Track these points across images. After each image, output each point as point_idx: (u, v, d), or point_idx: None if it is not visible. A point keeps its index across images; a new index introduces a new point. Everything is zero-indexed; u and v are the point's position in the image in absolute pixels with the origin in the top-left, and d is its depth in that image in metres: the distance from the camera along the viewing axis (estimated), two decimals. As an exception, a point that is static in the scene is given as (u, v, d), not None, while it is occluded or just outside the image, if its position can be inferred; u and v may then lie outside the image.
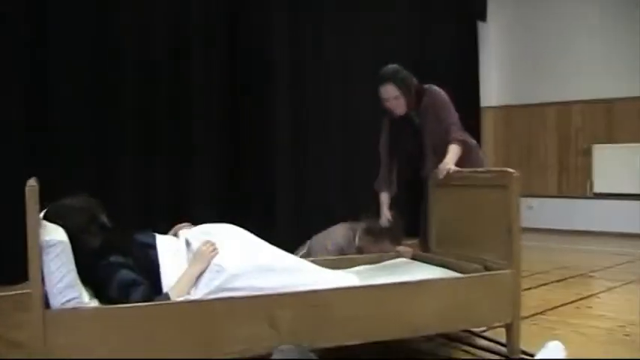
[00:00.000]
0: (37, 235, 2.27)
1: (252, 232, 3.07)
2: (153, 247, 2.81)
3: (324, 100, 6.80)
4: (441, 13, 8.68)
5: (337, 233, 4.55)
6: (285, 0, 6.42)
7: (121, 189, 5.00)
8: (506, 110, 9.60)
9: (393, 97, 4.27)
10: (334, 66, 6.97)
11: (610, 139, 8.68)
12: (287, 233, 5.93)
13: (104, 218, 2.75)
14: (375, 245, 4.28)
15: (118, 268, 2.59)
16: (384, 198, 4.41)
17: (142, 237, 2.86)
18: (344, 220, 4.76)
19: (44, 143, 4.91)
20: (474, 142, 4.42)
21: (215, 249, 2.74)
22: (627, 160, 8.41)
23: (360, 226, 4.52)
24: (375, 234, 4.33)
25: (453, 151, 4.02)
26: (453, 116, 4.28)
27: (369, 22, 7.47)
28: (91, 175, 4.93)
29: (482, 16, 9.40)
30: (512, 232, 3.07)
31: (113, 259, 2.62)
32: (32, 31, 4.87)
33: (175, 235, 3.07)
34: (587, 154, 8.81)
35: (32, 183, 2.25)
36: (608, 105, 8.68)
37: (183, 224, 3.17)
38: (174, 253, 2.83)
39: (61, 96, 4.91)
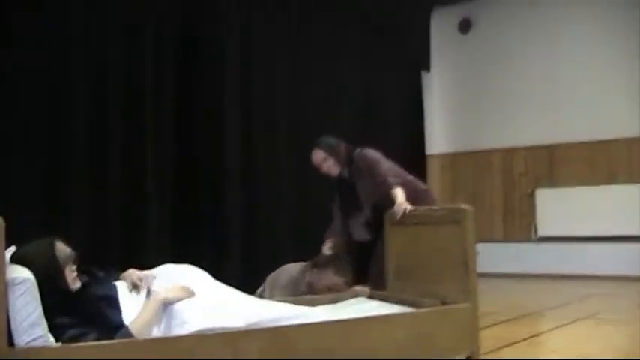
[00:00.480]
0: (3, 272, 2.26)
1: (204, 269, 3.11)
2: (114, 300, 2.80)
3: (273, 149, 6.84)
4: (387, 64, 8.86)
5: (290, 269, 4.63)
6: (237, 50, 6.48)
7: (72, 224, 4.89)
8: (452, 157, 9.81)
9: (321, 159, 4.67)
10: (283, 114, 7.01)
11: (552, 184, 8.92)
12: (238, 271, 5.91)
13: (63, 278, 2.70)
14: (321, 277, 4.33)
15: (63, 330, 2.55)
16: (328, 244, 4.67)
17: (101, 289, 2.85)
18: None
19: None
20: (423, 186, 4.62)
21: (186, 290, 2.78)
22: (569, 204, 8.65)
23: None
24: (320, 266, 4.40)
25: (400, 193, 4.19)
26: (385, 169, 4.53)
27: (318, 70, 7.57)
28: (41, 209, 4.81)
29: (427, 66, 9.64)
30: (469, 267, 3.16)
31: (58, 321, 2.57)
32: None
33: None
34: (531, 198, 9.03)
35: (-1, 221, 2.26)
36: (549, 150, 8.95)
37: (133, 270, 3.14)
38: (137, 305, 2.83)
39: (5, 132, 4.79)
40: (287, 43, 7.11)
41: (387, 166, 4.59)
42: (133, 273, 3.03)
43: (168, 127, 5.75)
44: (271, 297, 4.06)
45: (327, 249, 4.55)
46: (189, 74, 5.97)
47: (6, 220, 2.46)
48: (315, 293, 4.19)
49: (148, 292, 2.87)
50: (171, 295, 2.76)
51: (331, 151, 4.65)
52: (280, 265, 4.74)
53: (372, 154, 4.69)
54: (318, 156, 4.69)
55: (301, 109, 7.17)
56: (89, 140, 5.07)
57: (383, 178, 4.42)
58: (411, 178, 4.57)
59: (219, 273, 3.28)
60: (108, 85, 5.25)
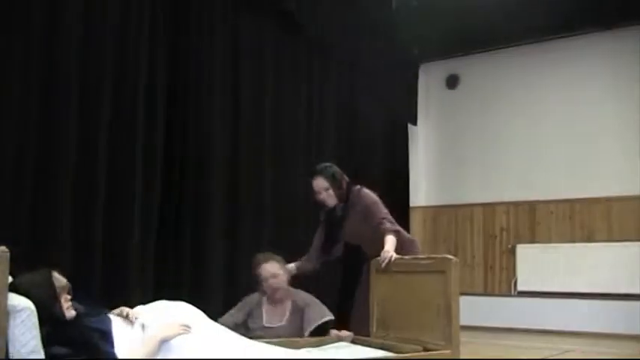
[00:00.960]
0: (4, 299, 2.34)
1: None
2: (107, 333, 2.86)
3: (259, 190, 6.88)
4: (374, 115, 9.00)
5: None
6: (228, 87, 6.55)
7: (57, 246, 4.88)
8: (434, 210, 9.94)
9: (323, 188, 4.71)
10: (268, 157, 7.07)
11: (533, 239, 9.06)
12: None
13: (58, 308, 2.77)
14: (265, 268, 4.54)
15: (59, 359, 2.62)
16: (293, 264, 4.81)
17: (95, 322, 2.91)
18: None
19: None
20: (411, 237, 4.72)
21: (183, 327, 2.85)
22: (549, 260, 8.78)
23: None
24: (260, 261, 4.64)
25: (391, 241, 4.28)
26: (382, 212, 4.62)
27: (303, 118, 7.66)
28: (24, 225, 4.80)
29: (413, 120, 9.81)
30: (452, 314, 3.25)
31: (53, 350, 2.63)
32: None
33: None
34: (512, 253, 9.15)
35: (3, 249, 2.34)
36: (530, 206, 9.11)
37: (123, 308, 3.21)
38: (130, 340, 2.90)
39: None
40: (273, 89, 7.18)
41: (384, 210, 4.68)
42: (124, 309, 3.11)
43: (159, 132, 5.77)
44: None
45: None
46: (178, 94, 6.03)
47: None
48: (262, 282, 4.46)
49: (143, 327, 2.95)
50: (168, 332, 2.83)
51: (334, 183, 4.72)
52: None
53: (372, 195, 4.79)
54: (321, 184, 4.75)
55: (287, 155, 7.23)
56: (78, 154, 5.09)
57: (379, 221, 4.51)
58: (398, 227, 4.66)
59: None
60: (98, 96, 5.28)
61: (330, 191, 4.72)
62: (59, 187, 4.91)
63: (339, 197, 4.75)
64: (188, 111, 6.09)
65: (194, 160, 6.07)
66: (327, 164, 4.92)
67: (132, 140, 5.50)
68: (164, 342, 2.80)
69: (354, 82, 8.56)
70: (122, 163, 5.42)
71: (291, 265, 4.76)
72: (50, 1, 4.93)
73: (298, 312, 4.40)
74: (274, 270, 4.48)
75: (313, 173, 4.84)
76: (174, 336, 2.82)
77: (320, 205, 4.85)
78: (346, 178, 4.85)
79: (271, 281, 4.45)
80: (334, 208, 4.78)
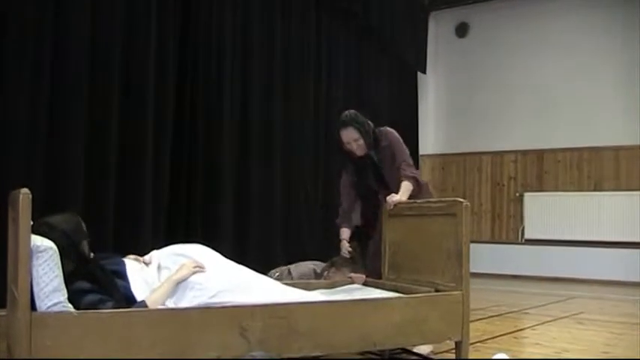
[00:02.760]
0: (27, 239, 2.40)
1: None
2: (122, 274, 2.94)
3: (269, 146, 6.90)
4: (384, 64, 9.01)
5: (310, 264, 4.79)
6: (237, 45, 6.57)
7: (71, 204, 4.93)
8: (443, 158, 9.99)
9: (353, 139, 4.54)
10: (277, 115, 7.08)
11: (540, 188, 9.11)
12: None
13: (84, 246, 2.86)
14: (337, 275, 4.46)
15: (83, 294, 2.68)
16: (345, 233, 4.63)
17: (110, 264, 2.99)
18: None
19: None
20: (424, 181, 4.71)
21: (198, 266, 2.93)
22: (556, 208, 8.85)
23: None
24: (337, 265, 4.52)
25: (406, 187, 4.30)
26: (405, 154, 4.58)
27: (314, 70, 7.65)
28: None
29: (422, 69, 9.80)
30: (462, 256, 3.31)
31: (78, 285, 2.70)
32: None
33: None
34: (519, 201, 9.22)
35: (25, 191, 2.39)
36: (538, 155, 9.14)
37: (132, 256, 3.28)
38: (145, 280, 2.98)
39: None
40: (283, 42, 7.17)
41: (406, 152, 4.64)
42: (136, 257, 3.19)
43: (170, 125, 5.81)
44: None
45: (345, 250, 4.55)
46: (189, 81, 6.03)
47: None
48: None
49: (159, 267, 3.03)
50: (184, 273, 2.91)
51: (363, 132, 4.55)
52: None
53: (396, 134, 4.70)
54: (351, 135, 4.57)
55: (295, 108, 7.25)
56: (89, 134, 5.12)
57: (399, 164, 4.49)
58: (416, 172, 4.62)
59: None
60: (106, 85, 5.29)
61: (361, 141, 4.56)
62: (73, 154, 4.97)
63: (369, 146, 4.60)
64: (200, 96, 6.11)
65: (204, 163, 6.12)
66: (353, 112, 4.69)
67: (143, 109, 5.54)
68: (180, 282, 2.89)
69: (363, 31, 8.54)
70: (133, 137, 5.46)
71: (346, 247, 4.62)
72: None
73: None
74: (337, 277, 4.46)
75: (343, 124, 4.61)
76: (189, 275, 2.90)
77: (347, 154, 4.70)
78: (371, 124, 4.67)
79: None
80: (366, 156, 4.64)
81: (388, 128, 4.74)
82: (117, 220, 5.21)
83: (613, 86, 8.65)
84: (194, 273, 2.92)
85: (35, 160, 4.67)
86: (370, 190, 4.68)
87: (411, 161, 4.61)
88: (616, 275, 8.23)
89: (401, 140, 4.67)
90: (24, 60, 4.62)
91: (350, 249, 4.57)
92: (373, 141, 4.60)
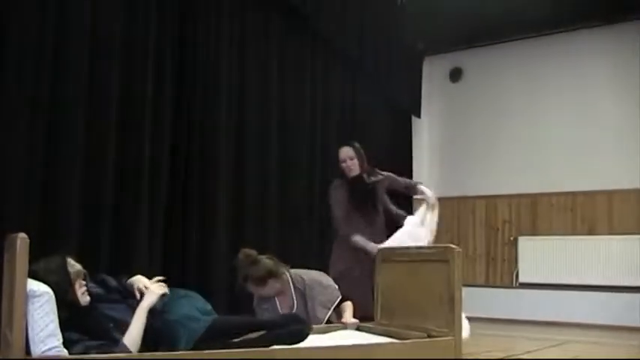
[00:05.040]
0: (24, 283, 2.42)
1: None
2: (121, 323, 2.98)
3: (264, 180, 6.95)
4: (379, 107, 9.08)
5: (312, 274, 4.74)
6: (234, 84, 6.63)
7: (66, 239, 4.94)
8: (437, 202, 9.98)
9: (348, 157, 5.45)
10: (273, 145, 7.14)
11: (534, 232, 9.15)
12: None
13: (72, 294, 2.87)
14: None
15: (72, 344, 2.70)
16: (359, 238, 5.31)
17: (111, 309, 3.02)
18: None
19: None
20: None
21: (162, 285, 2.97)
22: (550, 252, 8.87)
23: None
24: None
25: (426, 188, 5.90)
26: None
27: (308, 110, 7.72)
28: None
29: (417, 112, 9.88)
30: (454, 302, 3.34)
31: (66, 335, 2.70)
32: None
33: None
34: (514, 245, 9.24)
35: (23, 236, 2.42)
36: (532, 199, 9.19)
37: (140, 277, 3.33)
38: None
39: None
40: (279, 82, 7.25)
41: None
42: (140, 279, 3.23)
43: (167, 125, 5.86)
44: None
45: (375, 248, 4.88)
46: (185, 85, 6.10)
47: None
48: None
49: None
50: (151, 298, 2.95)
51: (359, 154, 5.51)
52: None
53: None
54: (347, 153, 5.51)
55: (291, 147, 7.30)
56: (85, 141, 5.16)
57: (405, 182, 5.91)
58: None
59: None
60: (105, 95, 5.36)
61: (355, 161, 5.45)
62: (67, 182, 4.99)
63: (362, 167, 5.49)
64: (197, 105, 6.18)
65: (200, 162, 6.17)
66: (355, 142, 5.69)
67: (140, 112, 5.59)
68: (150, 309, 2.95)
69: (358, 75, 8.62)
70: (131, 140, 5.51)
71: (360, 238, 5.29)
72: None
73: (302, 297, 4.44)
74: (258, 294, 4.44)
75: (343, 144, 5.63)
76: (157, 299, 2.96)
77: (342, 172, 5.50)
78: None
79: (265, 294, 4.43)
80: (358, 179, 5.45)
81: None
82: (112, 248, 5.25)
83: (607, 131, 8.71)
84: (161, 294, 2.96)
85: (30, 185, 4.71)
86: (365, 207, 5.49)
87: None
88: (611, 319, 8.20)
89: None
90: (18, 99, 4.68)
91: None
92: (366, 168, 5.54)
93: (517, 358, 5.58)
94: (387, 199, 5.88)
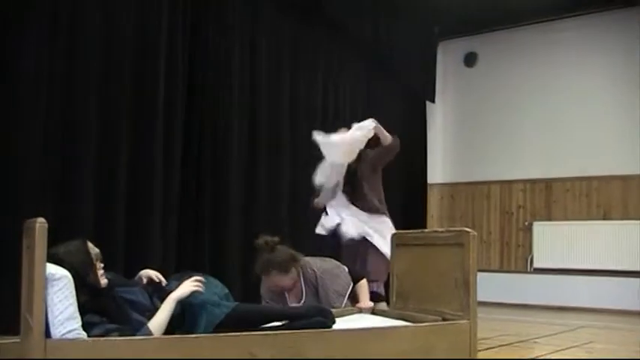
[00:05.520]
0: (43, 268, 2.45)
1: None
2: (137, 304, 3.01)
3: (277, 167, 6.97)
4: (393, 92, 9.08)
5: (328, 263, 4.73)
6: (246, 72, 6.65)
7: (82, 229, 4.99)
8: (452, 187, 10.01)
9: None
10: (286, 135, 7.15)
11: (549, 217, 9.13)
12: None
13: (93, 277, 2.90)
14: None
15: (90, 327, 2.72)
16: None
17: (126, 292, 3.05)
18: None
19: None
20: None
21: (198, 284, 2.98)
22: (564, 237, 8.86)
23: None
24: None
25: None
26: None
27: (323, 95, 7.73)
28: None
29: (431, 97, 9.86)
30: (469, 285, 3.35)
31: (87, 318, 2.74)
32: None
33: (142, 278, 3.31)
34: (528, 230, 9.22)
35: (42, 220, 2.45)
36: (547, 184, 9.16)
37: (150, 272, 3.37)
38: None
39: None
40: (291, 69, 7.27)
41: None
42: (149, 271, 3.28)
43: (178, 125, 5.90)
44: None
45: None
46: (197, 89, 6.13)
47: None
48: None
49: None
50: (184, 290, 2.97)
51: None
52: None
53: None
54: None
55: (304, 133, 7.30)
56: (99, 141, 5.21)
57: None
58: None
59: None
60: (118, 94, 5.40)
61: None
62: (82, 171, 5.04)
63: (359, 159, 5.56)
64: (207, 95, 6.20)
65: (213, 159, 6.22)
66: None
67: (153, 111, 5.63)
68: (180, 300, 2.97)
69: (372, 60, 8.61)
70: (143, 140, 5.56)
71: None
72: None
73: (312, 288, 4.44)
74: (276, 283, 4.37)
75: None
76: (189, 293, 2.97)
77: None
78: None
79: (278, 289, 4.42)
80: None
81: None
82: (127, 239, 5.30)
83: (623, 115, 8.66)
84: (194, 290, 2.98)
85: (46, 179, 4.76)
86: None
87: None
88: (625, 304, 8.19)
89: None
90: (35, 98, 4.73)
91: None
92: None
93: (530, 342, 5.59)
94: (374, 182, 5.69)
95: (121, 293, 2.99)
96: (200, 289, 3.02)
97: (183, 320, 2.95)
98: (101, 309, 2.77)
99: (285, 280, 4.26)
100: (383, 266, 5.03)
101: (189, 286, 3.01)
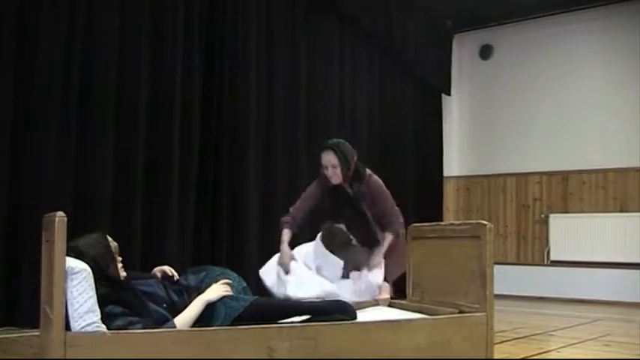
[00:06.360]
0: (62, 261, 2.47)
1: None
2: (155, 296, 3.03)
3: (294, 162, 6.99)
4: (408, 85, 9.08)
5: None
6: (262, 68, 6.67)
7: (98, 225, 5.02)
8: (468, 180, 10.00)
9: (331, 164, 4.66)
10: (302, 131, 7.17)
11: (565, 209, 9.10)
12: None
13: (113, 269, 2.93)
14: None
15: (113, 318, 2.74)
16: (286, 235, 4.73)
17: (143, 284, 3.07)
18: None
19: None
20: (402, 232, 4.77)
21: (228, 288, 3.00)
22: (581, 230, 8.83)
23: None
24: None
25: (388, 240, 4.48)
26: (390, 202, 4.77)
27: (339, 89, 7.74)
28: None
29: (447, 90, 9.85)
30: (486, 278, 3.35)
31: (109, 309, 2.75)
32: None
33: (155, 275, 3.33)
34: (544, 223, 9.20)
35: (61, 214, 2.47)
36: (563, 176, 9.13)
37: (164, 267, 3.40)
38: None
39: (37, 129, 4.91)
40: (307, 63, 7.28)
41: (391, 200, 4.80)
42: (163, 267, 3.30)
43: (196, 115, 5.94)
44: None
45: (285, 256, 4.65)
46: (214, 86, 6.15)
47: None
48: None
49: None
50: (213, 294, 2.99)
51: (342, 161, 4.65)
52: None
53: (379, 182, 4.80)
54: (330, 159, 4.67)
55: (320, 127, 7.33)
56: (116, 135, 5.25)
57: (389, 216, 4.75)
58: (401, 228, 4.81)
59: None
60: (135, 88, 5.43)
61: (338, 170, 4.66)
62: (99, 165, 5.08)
63: (344, 177, 4.70)
64: (226, 98, 6.22)
65: (229, 150, 6.23)
66: (341, 140, 4.81)
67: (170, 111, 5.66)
68: (209, 303, 2.98)
69: (387, 53, 8.61)
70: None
71: (286, 236, 4.77)
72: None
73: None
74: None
75: (325, 147, 4.73)
76: (218, 297, 2.98)
77: (323, 179, 4.83)
78: (356, 159, 4.78)
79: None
80: (339, 187, 4.77)
81: (374, 176, 4.81)
82: (144, 238, 5.33)
83: (639, 107, 8.62)
84: (221, 296, 2.99)
85: (64, 179, 4.80)
86: (349, 220, 4.76)
87: (396, 210, 4.79)
88: (644, 297, 8.18)
89: (384, 188, 4.79)
90: (52, 93, 4.76)
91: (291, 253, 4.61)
92: (353, 175, 4.72)
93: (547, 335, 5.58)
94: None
95: (138, 286, 3.02)
96: (230, 293, 3.04)
97: (202, 313, 2.96)
98: (121, 300, 2.79)
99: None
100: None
101: (219, 290, 3.04)
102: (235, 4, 6.33)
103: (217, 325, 2.92)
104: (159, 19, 5.63)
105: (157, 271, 3.36)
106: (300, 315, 3.13)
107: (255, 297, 3.19)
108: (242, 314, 2.95)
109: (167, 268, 3.36)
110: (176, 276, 3.30)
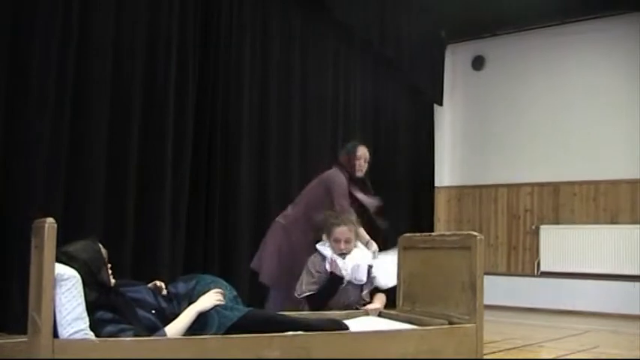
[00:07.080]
0: (52, 268, 2.46)
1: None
2: (144, 303, 3.01)
3: (285, 168, 7.00)
4: (401, 95, 9.09)
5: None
6: (256, 74, 6.67)
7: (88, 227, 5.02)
8: (459, 190, 10.01)
9: (365, 159, 5.37)
10: (295, 138, 7.17)
11: (556, 221, 9.11)
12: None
13: (104, 275, 2.91)
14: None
15: (104, 324, 2.73)
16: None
17: (132, 291, 3.06)
18: None
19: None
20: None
21: (221, 297, 2.99)
22: (572, 241, 8.84)
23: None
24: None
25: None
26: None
27: (331, 98, 7.75)
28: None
29: (439, 101, 9.86)
30: (476, 289, 3.34)
31: (99, 315, 2.75)
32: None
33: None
34: (535, 234, 9.21)
35: (51, 220, 2.46)
36: (554, 187, 9.15)
37: (155, 282, 3.38)
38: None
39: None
40: (301, 69, 7.29)
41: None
42: (157, 284, 3.28)
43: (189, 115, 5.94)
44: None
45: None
46: (208, 86, 6.17)
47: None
48: None
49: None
50: (206, 303, 2.98)
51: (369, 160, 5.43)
52: None
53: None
54: (367, 155, 5.40)
55: (314, 136, 7.33)
56: (109, 141, 5.24)
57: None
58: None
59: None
60: (128, 93, 5.43)
61: (366, 165, 5.38)
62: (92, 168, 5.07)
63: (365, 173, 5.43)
64: (217, 92, 6.22)
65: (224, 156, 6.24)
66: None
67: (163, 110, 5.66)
68: (201, 312, 2.96)
69: (380, 64, 8.62)
70: (154, 134, 5.59)
71: None
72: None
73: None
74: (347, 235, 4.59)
75: (364, 143, 5.51)
76: (211, 306, 2.97)
77: (352, 169, 5.31)
78: None
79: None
80: (363, 182, 5.40)
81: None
82: (136, 242, 5.32)
83: (631, 119, 8.63)
84: (214, 305, 2.98)
85: (56, 180, 4.79)
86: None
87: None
88: (633, 309, 8.17)
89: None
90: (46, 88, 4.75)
91: None
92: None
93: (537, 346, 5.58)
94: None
95: (126, 292, 3.00)
96: (222, 302, 3.03)
97: (195, 321, 2.95)
98: (111, 306, 2.78)
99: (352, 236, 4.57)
100: None
101: (212, 299, 3.02)
102: (230, 9, 6.34)
103: (210, 334, 2.91)
104: (153, 22, 5.63)
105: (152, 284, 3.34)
106: (294, 329, 3.11)
107: (250, 308, 3.17)
108: (235, 324, 2.94)
109: (158, 283, 3.34)
110: (165, 292, 3.27)
